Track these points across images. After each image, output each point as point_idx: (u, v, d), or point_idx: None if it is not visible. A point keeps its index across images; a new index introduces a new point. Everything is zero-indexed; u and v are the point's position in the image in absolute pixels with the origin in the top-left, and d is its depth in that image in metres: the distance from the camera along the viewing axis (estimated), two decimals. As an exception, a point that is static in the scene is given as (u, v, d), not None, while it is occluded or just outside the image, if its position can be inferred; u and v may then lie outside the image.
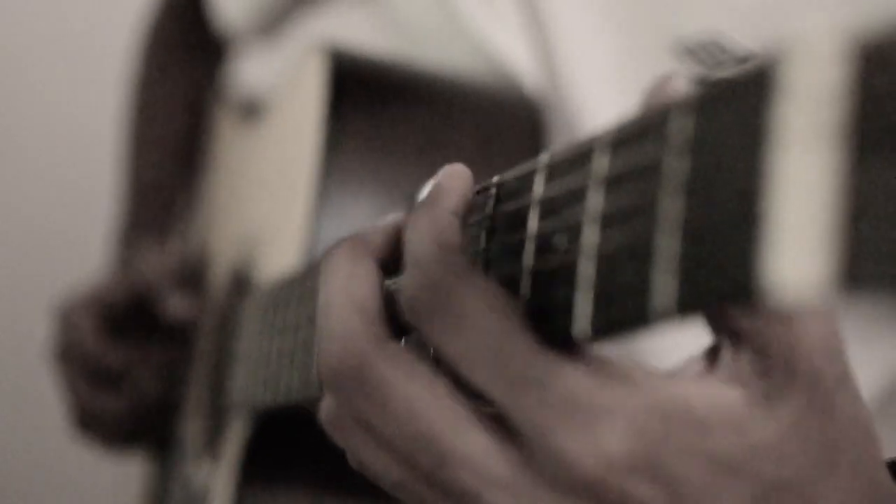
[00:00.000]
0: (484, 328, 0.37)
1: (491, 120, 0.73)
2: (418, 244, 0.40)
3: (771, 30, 0.65)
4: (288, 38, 0.87)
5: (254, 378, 0.66)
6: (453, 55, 0.76)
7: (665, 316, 0.32)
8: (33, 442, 1.53)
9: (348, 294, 0.41)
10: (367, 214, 0.69)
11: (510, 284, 0.40)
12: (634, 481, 0.35)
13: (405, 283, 0.39)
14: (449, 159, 0.74)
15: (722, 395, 0.37)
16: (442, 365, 0.39)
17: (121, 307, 0.89)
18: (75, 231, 1.53)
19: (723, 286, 0.30)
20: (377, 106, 0.71)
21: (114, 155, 1.18)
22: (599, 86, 0.69)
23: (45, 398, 1.08)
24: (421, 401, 0.38)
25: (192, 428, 0.88)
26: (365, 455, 0.41)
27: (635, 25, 0.69)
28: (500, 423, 0.38)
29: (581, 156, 0.37)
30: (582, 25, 0.70)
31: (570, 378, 0.35)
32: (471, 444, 0.37)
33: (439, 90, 0.73)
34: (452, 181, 0.43)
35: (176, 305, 0.85)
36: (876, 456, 0.40)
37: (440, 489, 0.38)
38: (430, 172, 0.71)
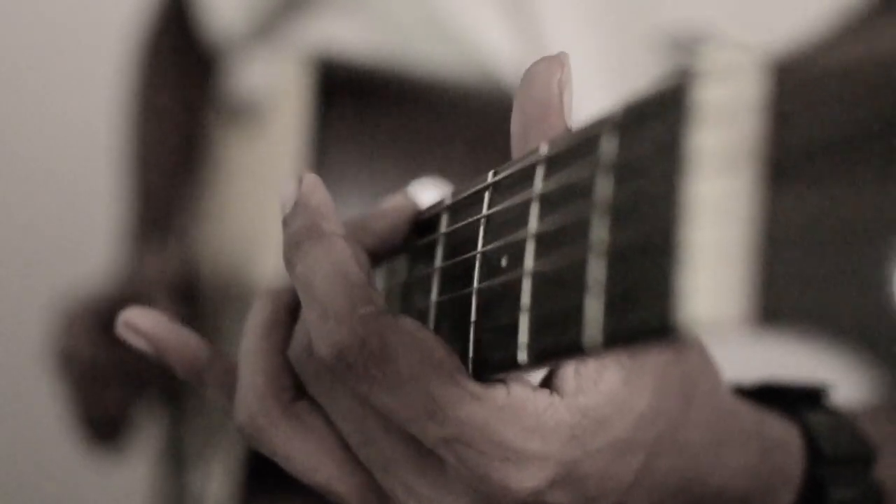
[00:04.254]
0: (416, 379, 0.37)
1: (480, 121, 0.72)
2: (324, 292, 0.38)
3: (754, 19, 0.63)
4: (281, 42, 0.86)
5: None
6: (442, 56, 0.75)
7: (595, 348, 0.31)
8: (41, 453, 1.54)
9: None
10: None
11: (461, 305, 0.39)
12: (553, 492, 0.39)
13: (319, 334, 0.38)
14: (439, 163, 0.73)
15: (607, 385, 0.38)
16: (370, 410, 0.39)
17: (113, 311, 0.89)
18: (74, 236, 1.53)
19: (644, 322, 0.28)
20: (364, 112, 0.71)
21: (111, 159, 1.18)
22: (586, 82, 0.68)
23: (50, 407, 1.08)
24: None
25: (191, 433, 0.88)
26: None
27: (618, 20, 0.68)
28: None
29: (524, 173, 0.36)
30: (567, 22, 0.69)
31: (500, 429, 0.37)
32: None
33: (427, 94, 0.72)
34: (317, 195, 0.41)
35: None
36: (717, 379, 0.42)
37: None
38: (419, 176, 0.70)
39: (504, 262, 0.36)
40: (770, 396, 0.47)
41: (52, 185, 1.58)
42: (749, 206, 0.26)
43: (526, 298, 0.34)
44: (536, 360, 0.34)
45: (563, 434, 0.38)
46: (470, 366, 0.38)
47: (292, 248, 0.39)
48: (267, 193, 0.78)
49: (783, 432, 0.45)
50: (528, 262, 0.34)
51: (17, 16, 1.56)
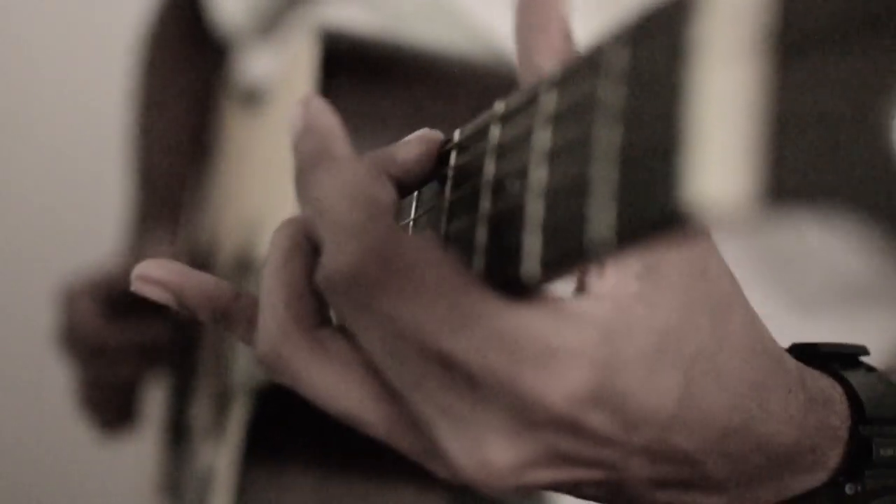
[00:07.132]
0: (438, 289, 0.36)
1: (483, 93, 0.73)
2: (339, 210, 0.37)
3: None
4: (285, 35, 0.87)
5: None
6: (447, 40, 0.76)
7: (605, 248, 0.32)
8: (46, 432, 1.54)
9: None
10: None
11: (470, 234, 0.39)
12: (593, 413, 0.36)
13: (334, 256, 0.37)
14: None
15: (622, 293, 0.37)
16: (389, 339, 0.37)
17: (118, 290, 0.89)
18: (83, 224, 1.54)
19: (655, 213, 0.29)
20: (368, 83, 0.71)
21: (120, 147, 1.18)
22: None
23: (57, 387, 1.09)
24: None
25: (199, 410, 0.89)
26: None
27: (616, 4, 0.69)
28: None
29: (530, 98, 0.37)
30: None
31: (528, 324, 0.35)
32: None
33: (430, 66, 0.73)
34: (326, 118, 0.40)
35: None
36: (754, 313, 0.40)
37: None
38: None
39: (511, 185, 0.37)
40: (805, 356, 0.45)
41: (60, 171, 1.59)
42: (757, 92, 0.27)
43: (531, 215, 0.35)
44: (548, 272, 0.35)
45: (598, 327, 0.36)
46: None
47: (305, 173, 0.39)
48: (274, 173, 0.79)
49: (827, 389, 0.43)
50: (534, 179, 0.35)
51: (27, 4, 1.58)
